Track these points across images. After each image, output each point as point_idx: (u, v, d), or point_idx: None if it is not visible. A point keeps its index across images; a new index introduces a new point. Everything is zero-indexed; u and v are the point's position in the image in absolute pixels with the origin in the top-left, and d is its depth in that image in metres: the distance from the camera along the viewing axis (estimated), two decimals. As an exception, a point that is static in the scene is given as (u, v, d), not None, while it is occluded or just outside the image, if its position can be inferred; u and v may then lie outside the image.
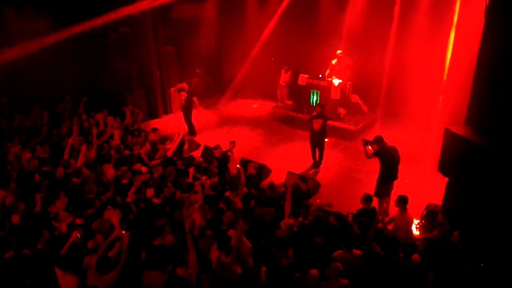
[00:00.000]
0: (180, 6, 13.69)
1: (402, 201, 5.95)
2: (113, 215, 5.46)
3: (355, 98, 11.70)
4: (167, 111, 13.07)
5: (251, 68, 14.74)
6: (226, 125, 12.26)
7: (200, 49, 14.25)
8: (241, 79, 15.15)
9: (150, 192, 6.42)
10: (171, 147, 8.39)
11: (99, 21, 10.45)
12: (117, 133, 8.70)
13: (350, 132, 10.88)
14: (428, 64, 10.50)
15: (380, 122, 11.35)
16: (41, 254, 4.94)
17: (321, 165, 9.39)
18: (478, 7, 7.18)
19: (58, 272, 4.52)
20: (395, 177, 7.08)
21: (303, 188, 7.42)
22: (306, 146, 9.49)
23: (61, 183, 6.60)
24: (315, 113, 9.03)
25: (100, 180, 6.91)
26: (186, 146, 8.78)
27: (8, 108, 10.09)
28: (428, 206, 6.66)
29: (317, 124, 8.99)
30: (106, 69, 11.86)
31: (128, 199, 6.13)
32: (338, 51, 11.39)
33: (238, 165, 7.52)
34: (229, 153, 8.30)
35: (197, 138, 10.23)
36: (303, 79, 11.72)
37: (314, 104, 11.27)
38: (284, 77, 12.64)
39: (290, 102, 12.52)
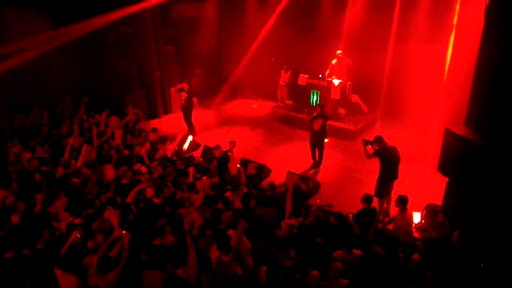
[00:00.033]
0: (180, 6, 13.72)
1: (402, 201, 5.95)
2: (113, 216, 5.46)
3: (355, 98, 11.70)
4: (167, 111, 13.06)
5: (251, 68, 14.75)
6: (226, 125, 12.25)
7: (200, 49, 14.24)
8: (241, 79, 15.16)
9: (150, 192, 6.42)
10: (171, 147, 8.39)
11: (99, 21, 10.47)
12: (118, 133, 8.70)
13: (350, 132, 10.88)
14: (428, 64, 10.50)
15: (380, 122, 11.35)
16: (41, 254, 4.94)
17: (321, 165, 9.39)
18: (478, 8, 7.19)
19: (58, 272, 4.52)
20: (395, 177, 7.08)
21: (303, 188, 7.43)
22: (306, 146, 9.49)
23: (61, 183, 6.60)
24: (315, 114, 9.03)
25: (100, 180, 6.91)
26: (185, 146, 8.79)
27: (8, 108, 10.11)
28: (428, 206, 6.66)
29: (317, 124, 8.99)
30: (106, 69, 11.86)
31: (128, 200, 6.13)
32: (338, 51, 11.39)
33: (238, 165, 7.52)
34: (229, 153, 8.30)
35: (197, 138, 10.22)
36: (303, 79, 11.72)
37: (314, 104, 11.26)
38: (284, 77, 12.65)
39: (290, 102, 12.52)
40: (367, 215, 5.83)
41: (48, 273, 4.64)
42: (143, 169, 7.34)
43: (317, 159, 9.40)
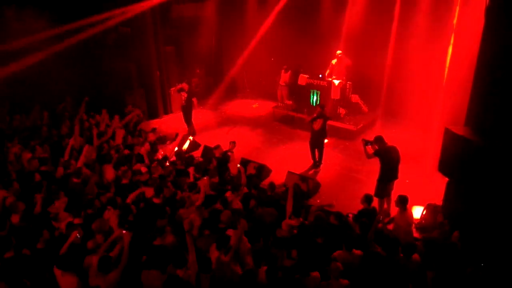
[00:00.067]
0: (180, 6, 13.70)
1: (402, 201, 5.95)
2: (112, 216, 5.46)
3: (355, 98, 11.70)
4: (167, 111, 13.06)
5: (251, 68, 14.74)
6: (226, 125, 12.26)
7: (200, 49, 14.23)
8: (241, 79, 15.15)
9: (150, 192, 6.43)
10: (171, 147, 8.39)
11: (99, 22, 10.48)
12: (120, 134, 8.69)
13: (350, 132, 10.88)
14: (428, 64, 10.50)
15: (380, 122, 11.34)
16: (41, 254, 4.94)
17: (321, 165, 9.39)
18: (478, 8, 7.20)
19: (57, 272, 4.52)
20: (395, 177, 7.08)
21: (303, 188, 7.42)
22: (306, 146, 9.49)
23: (61, 183, 6.60)
24: (315, 115, 9.04)
25: (100, 181, 6.91)
26: (184, 146, 8.79)
27: (8, 108, 10.10)
28: (428, 206, 6.66)
29: (317, 124, 8.99)
30: (106, 69, 11.86)
31: (128, 200, 6.13)
32: (338, 52, 11.39)
33: (238, 165, 7.52)
34: (229, 153, 8.30)
35: (197, 138, 10.22)
36: (303, 79, 11.72)
37: (314, 104, 11.27)
38: (284, 77, 12.65)
39: (290, 102, 12.52)
40: (367, 215, 5.83)
41: (48, 273, 4.64)
42: (143, 169, 7.34)
43: (317, 159, 9.41)
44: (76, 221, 5.54)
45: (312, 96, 11.68)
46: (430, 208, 6.56)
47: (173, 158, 8.13)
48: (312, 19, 12.85)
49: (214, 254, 4.82)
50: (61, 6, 10.41)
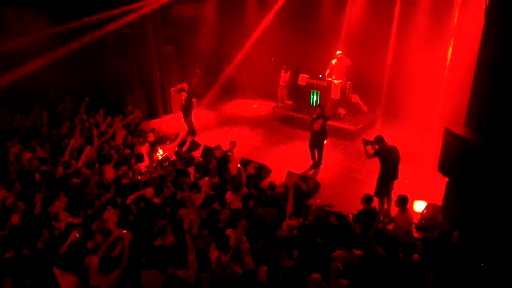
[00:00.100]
0: (180, 6, 13.69)
1: (402, 201, 5.95)
2: (111, 216, 5.46)
3: (355, 98, 11.70)
4: (167, 111, 13.06)
5: (251, 68, 14.74)
6: (226, 125, 12.25)
7: (200, 49, 14.24)
8: (241, 79, 15.15)
9: (150, 192, 6.43)
10: (171, 147, 8.39)
11: (99, 21, 10.48)
12: (121, 134, 8.69)
13: (350, 132, 10.88)
14: (428, 64, 10.50)
15: (380, 122, 11.34)
16: (41, 254, 4.94)
17: (321, 165, 9.39)
18: (478, 8, 7.20)
19: (57, 272, 4.52)
20: (395, 177, 7.08)
21: (303, 188, 7.42)
22: (306, 146, 9.48)
23: (61, 183, 6.60)
24: (315, 115, 9.04)
25: (100, 181, 6.91)
26: (185, 147, 8.78)
27: (8, 108, 10.10)
28: (428, 206, 6.66)
29: (317, 124, 9.00)
30: (106, 69, 11.86)
31: (128, 201, 6.13)
32: (338, 52, 11.39)
33: (238, 165, 7.52)
34: (229, 153, 8.30)
35: (197, 138, 10.22)
36: (303, 79, 11.73)
37: (314, 104, 11.27)
38: (284, 77, 12.65)
39: (290, 102, 12.52)
40: (367, 215, 5.83)
41: (48, 273, 4.64)
42: (143, 169, 7.34)
43: (317, 159, 9.41)
44: (76, 221, 5.54)
45: (312, 96, 11.69)
46: (430, 208, 6.56)
47: (173, 158, 8.13)
48: (312, 19, 12.85)
49: (214, 254, 4.82)
50: (61, 6, 10.41)
